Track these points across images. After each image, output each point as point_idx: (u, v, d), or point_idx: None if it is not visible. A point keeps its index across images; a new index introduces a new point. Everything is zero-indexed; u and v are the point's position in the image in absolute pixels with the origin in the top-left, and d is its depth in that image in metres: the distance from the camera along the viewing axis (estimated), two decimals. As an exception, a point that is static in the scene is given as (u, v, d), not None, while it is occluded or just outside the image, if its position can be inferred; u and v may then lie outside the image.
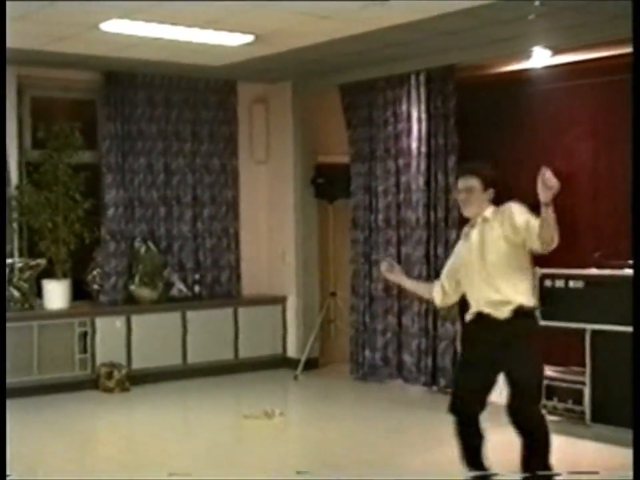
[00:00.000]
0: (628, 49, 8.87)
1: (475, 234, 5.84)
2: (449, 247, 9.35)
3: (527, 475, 5.78)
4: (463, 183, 5.87)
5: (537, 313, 5.96)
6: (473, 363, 5.83)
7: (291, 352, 11.04)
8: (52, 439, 7.91)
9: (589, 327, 7.65)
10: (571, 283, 7.76)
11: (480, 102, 10.61)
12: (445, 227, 9.49)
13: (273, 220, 11.33)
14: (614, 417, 7.48)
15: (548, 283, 7.89)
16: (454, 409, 5.79)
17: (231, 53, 9.04)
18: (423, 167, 9.59)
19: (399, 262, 9.75)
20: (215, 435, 7.90)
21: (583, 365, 7.74)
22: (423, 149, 9.58)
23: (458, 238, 9.20)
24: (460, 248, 6.06)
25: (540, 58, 9.08)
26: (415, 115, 9.66)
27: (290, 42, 8.61)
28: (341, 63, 9.79)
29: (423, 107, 9.58)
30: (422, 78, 9.57)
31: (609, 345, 7.56)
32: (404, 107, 9.77)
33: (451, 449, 6.43)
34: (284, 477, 6.56)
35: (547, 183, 5.20)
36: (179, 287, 10.66)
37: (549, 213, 5.27)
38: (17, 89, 9.85)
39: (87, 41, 8.49)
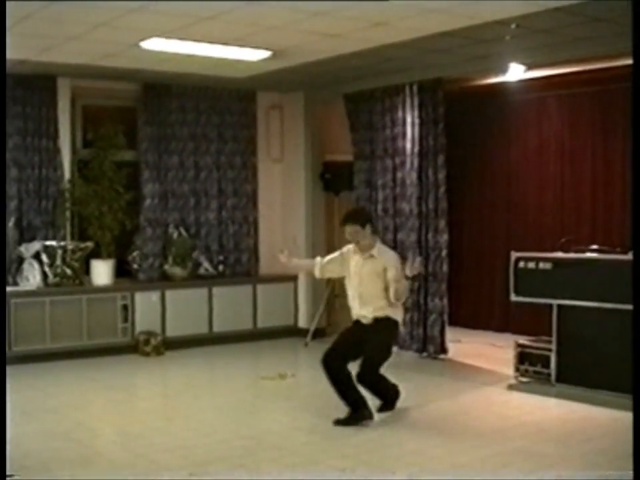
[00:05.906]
0: (589, 66, 9.09)
1: (362, 261, 6.84)
2: (437, 234, 9.52)
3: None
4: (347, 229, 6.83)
5: (398, 319, 6.93)
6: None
7: (302, 323, 11.09)
8: (98, 394, 8.06)
9: (556, 302, 7.64)
10: (541, 265, 7.71)
11: (464, 109, 10.81)
12: (435, 216, 9.52)
13: (287, 209, 11.35)
14: (575, 378, 7.57)
15: (521, 264, 7.85)
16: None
17: (251, 66, 9.07)
18: (415, 164, 9.60)
19: (395, 247, 9.92)
20: (236, 392, 7.95)
21: (550, 335, 7.75)
22: (416, 149, 9.59)
23: (446, 226, 9.41)
24: (350, 258, 6.96)
25: (515, 72, 9.16)
26: (408, 119, 9.67)
27: (302, 57, 8.64)
28: (345, 75, 9.80)
29: (415, 113, 9.59)
30: (415, 88, 9.59)
31: (572, 317, 7.57)
32: (399, 113, 9.80)
33: (437, 403, 6.55)
34: (294, 427, 6.74)
35: (415, 269, 6.56)
36: (206, 267, 10.71)
37: (402, 284, 6.55)
38: (70, 98, 9.94)
39: (129, 57, 8.56)
